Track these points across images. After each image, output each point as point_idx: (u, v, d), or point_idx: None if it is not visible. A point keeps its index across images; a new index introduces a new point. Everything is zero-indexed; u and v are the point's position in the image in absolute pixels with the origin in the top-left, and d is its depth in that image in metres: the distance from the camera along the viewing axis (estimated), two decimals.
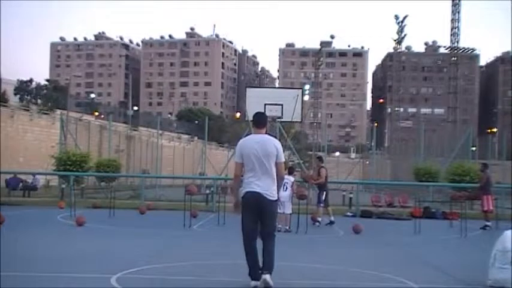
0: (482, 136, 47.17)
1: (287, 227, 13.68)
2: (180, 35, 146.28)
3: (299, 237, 13.02)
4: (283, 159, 7.00)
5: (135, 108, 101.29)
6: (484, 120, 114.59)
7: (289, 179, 13.68)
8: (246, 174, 6.83)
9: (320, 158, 17.84)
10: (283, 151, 7.29)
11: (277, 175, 6.86)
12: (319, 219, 15.80)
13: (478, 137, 42.87)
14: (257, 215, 6.79)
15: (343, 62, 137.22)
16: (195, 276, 7.55)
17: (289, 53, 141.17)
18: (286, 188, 13.55)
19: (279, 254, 9.15)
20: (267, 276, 6.61)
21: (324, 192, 16.08)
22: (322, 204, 15.97)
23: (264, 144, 6.77)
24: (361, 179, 43.34)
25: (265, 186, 6.76)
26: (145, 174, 34.13)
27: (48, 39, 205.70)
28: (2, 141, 32.25)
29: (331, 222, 15.79)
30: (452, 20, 64.14)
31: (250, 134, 7.42)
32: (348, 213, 20.73)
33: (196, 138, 64.55)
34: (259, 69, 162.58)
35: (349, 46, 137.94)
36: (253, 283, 6.72)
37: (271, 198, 6.79)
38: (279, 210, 10.00)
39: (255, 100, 19.53)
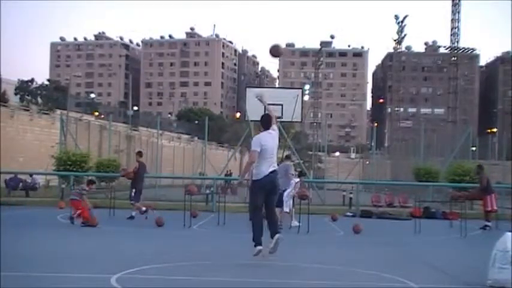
0: (482, 136, 47.10)
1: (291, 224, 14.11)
2: (180, 35, 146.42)
3: (299, 237, 13.02)
4: None
5: (135, 108, 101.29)
6: (484, 120, 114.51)
7: (294, 180, 14.52)
8: (261, 160, 8.60)
9: (139, 153, 17.48)
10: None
11: None
12: (133, 213, 15.79)
13: (478, 137, 42.71)
14: (267, 195, 8.64)
15: (343, 62, 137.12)
16: (195, 276, 7.55)
17: (289, 53, 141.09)
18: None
19: (279, 254, 9.16)
20: (278, 235, 8.49)
21: (134, 190, 16.11)
22: (133, 201, 16.07)
23: (274, 139, 8.89)
24: (361, 179, 43.32)
25: (273, 167, 8.73)
26: (145, 174, 34.06)
27: (48, 39, 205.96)
28: (2, 141, 32.24)
29: (132, 217, 15.69)
30: (452, 20, 64.24)
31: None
32: (348, 213, 20.72)
33: (196, 138, 64.52)
34: (259, 69, 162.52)
35: (349, 46, 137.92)
36: (258, 248, 8.37)
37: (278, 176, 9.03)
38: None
39: (255, 100, 19.45)
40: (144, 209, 15.99)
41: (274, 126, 8.99)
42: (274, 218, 8.79)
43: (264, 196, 8.62)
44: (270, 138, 8.77)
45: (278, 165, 9.62)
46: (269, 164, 8.63)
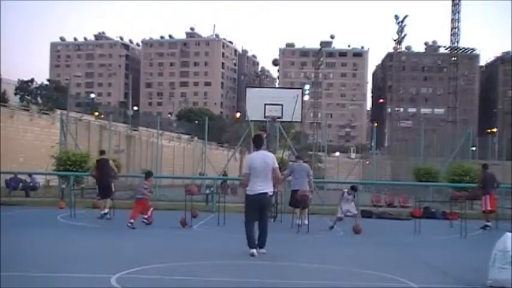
0: (482, 136, 47.07)
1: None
2: (180, 35, 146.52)
3: (299, 237, 13.04)
4: (277, 165, 9.77)
5: (135, 108, 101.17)
6: (484, 120, 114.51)
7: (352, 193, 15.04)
8: (253, 178, 9.44)
9: (100, 152, 17.96)
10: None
11: (275, 176, 9.71)
12: (106, 210, 15.72)
13: (478, 137, 42.72)
14: (258, 209, 9.49)
15: (343, 62, 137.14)
16: (195, 276, 7.55)
17: (289, 53, 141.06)
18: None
19: (280, 253, 9.16)
20: (263, 250, 9.34)
21: (97, 186, 16.68)
22: (98, 197, 16.57)
23: (264, 159, 9.58)
24: (361, 179, 43.28)
25: (266, 186, 9.51)
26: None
27: (48, 39, 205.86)
28: (2, 141, 32.22)
29: (104, 215, 15.63)
30: (452, 20, 64.16)
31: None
32: (348, 213, 20.66)
33: (196, 138, 64.46)
34: (259, 69, 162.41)
35: (349, 46, 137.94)
36: (252, 251, 9.12)
37: (269, 193, 9.67)
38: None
39: (255, 100, 19.39)
40: (106, 210, 15.77)
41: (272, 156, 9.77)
42: (264, 228, 9.48)
43: (256, 211, 9.45)
44: (260, 157, 9.54)
45: (279, 159, 9.98)
46: (262, 182, 9.39)
